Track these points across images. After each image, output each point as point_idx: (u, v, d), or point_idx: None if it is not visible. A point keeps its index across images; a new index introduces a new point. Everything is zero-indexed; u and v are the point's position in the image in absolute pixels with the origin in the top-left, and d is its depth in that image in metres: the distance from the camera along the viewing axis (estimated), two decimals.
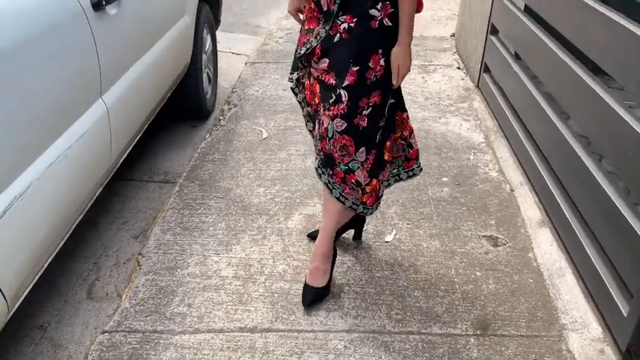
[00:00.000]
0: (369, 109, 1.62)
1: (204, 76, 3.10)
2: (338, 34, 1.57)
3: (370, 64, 1.57)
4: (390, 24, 1.55)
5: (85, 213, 1.92)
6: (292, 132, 2.92)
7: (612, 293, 1.63)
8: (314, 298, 1.83)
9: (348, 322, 1.77)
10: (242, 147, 2.79)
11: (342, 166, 1.68)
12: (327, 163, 1.70)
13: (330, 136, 1.65)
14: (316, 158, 1.76)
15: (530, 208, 2.29)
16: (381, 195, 1.81)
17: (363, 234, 2.15)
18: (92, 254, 2.19)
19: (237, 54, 4.15)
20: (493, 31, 3.14)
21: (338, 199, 1.74)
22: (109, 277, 2.08)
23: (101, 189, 2.00)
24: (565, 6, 2.18)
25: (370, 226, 2.21)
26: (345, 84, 1.58)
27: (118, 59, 1.97)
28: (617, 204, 1.65)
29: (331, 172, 1.70)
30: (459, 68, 3.75)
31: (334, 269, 1.92)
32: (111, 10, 1.87)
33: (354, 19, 1.54)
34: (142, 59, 2.19)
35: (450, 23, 4.63)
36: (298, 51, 1.71)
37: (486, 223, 2.25)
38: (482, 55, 3.27)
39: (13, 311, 1.46)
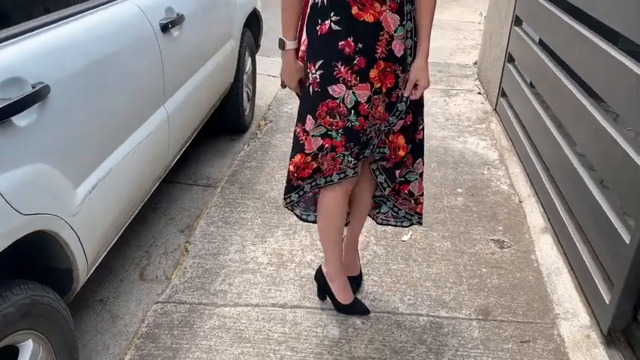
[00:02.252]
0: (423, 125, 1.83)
1: (245, 94, 3.45)
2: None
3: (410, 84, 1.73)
4: None
5: (138, 209, 2.24)
6: None
7: (598, 285, 1.86)
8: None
9: (366, 304, 2.03)
10: (277, 156, 3.11)
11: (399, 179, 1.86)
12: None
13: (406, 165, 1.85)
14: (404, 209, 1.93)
15: (535, 217, 2.53)
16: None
17: (382, 235, 2.42)
18: (143, 244, 2.51)
19: (273, 76, 4.50)
20: (510, 59, 3.41)
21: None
22: (158, 263, 2.38)
23: (159, 182, 2.32)
24: (572, 41, 2.42)
25: (389, 227, 2.48)
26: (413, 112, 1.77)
27: (177, 74, 2.31)
28: (607, 214, 1.87)
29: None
30: (479, 93, 4.02)
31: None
32: (174, 32, 2.22)
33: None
34: (195, 76, 2.53)
35: (473, 52, 4.92)
36: (371, 126, 1.70)
37: (495, 229, 2.50)
38: (500, 81, 3.55)
39: (88, 275, 1.77)
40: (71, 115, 1.53)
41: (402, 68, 1.67)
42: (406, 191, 1.87)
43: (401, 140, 1.78)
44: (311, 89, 1.68)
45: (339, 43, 1.60)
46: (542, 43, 2.95)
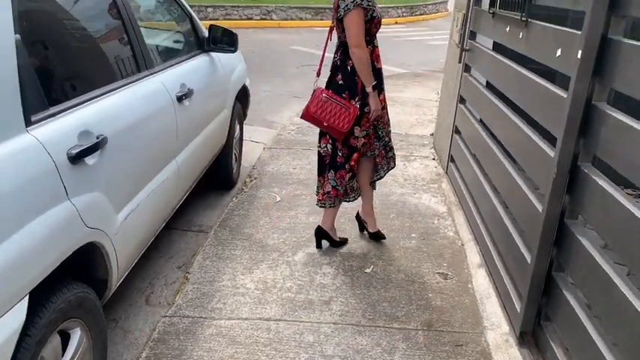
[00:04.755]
0: None
1: (233, 155, 4.03)
2: None
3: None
4: None
5: (152, 240, 2.72)
6: (299, 198, 3.80)
7: (513, 300, 2.41)
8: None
9: (334, 318, 2.53)
10: (261, 206, 3.66)
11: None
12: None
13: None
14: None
15: (473, 256, 3.09)
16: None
17: (349, 267, 2.95)
18: (147, 277, 2.97)
19: (256, 142, 5.12)
20: (457, 131, 4.10)
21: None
22: (161, 292, 2.84)
23: (168, 219, 2.82)
24: (498, 120, 3.09)
25: (355, 262, 3.02)
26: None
27: (186, 135, 2.88)
28: (519, 245, 2.45)
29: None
30: (434, 159, 4.69)
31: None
32: (186, 102, 2.81)
33: None
34: (198, 137, 3.11)
35: (430, 125, 5.66)
36: (381, 128, 3.03)
37: (441, 265, 3.05)
38: (449, 149, 4.21)
39: (118, 283, 2.23)
40: (118, 160, 2.07)
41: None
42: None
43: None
44: None
45: None
46: (482, 122, 3.63)
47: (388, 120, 3.07)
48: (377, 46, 2.88)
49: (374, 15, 2.71)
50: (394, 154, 3.16)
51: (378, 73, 2.86)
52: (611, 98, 2.01)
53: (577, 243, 1.97)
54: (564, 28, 2.19)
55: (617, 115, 1.79)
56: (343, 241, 3.21)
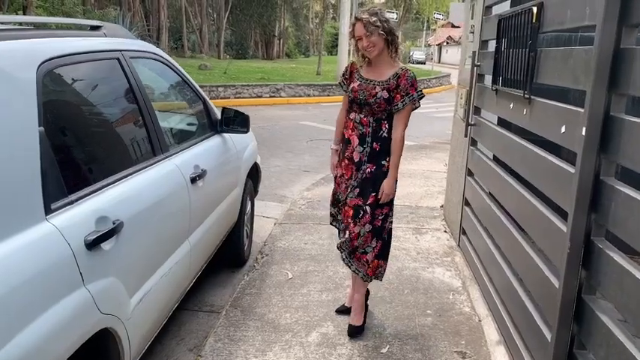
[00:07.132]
0: (382, 216, 2.92)
1: (245, 231, 4.04)
2: (365, 175, 2.88)
3: (379, 191, 2.87)
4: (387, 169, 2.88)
5: (164, 322, 2.70)
6: (312, 274, 3.77)
7: None
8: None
9: None
10: (273, 284, 3.63)
11: (360, 250, 2.94)
12: (351, 252, 2.97)
13: (361, 235, 2.90)
14: (343, 251, 2.99)
15: (491, 333, 3.01)
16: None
17: (364, 348, 2.88)
18: None
19: (267, 217, 5.15)
20: (466, 203, 4.11)
21: (356, 271, 3.00)
22: None
23: (180, 301, 2.80)
24: (508, 193, 3.13)
25: (370, 341, 2.95)
26: (368, 202, 2.87)
27: (199, 215, 2.92)
28: (538, 323, 2.40)
29: (353, 257, 2.98)
30: (445, 232, 4.68)
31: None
32: (199, 183, 2.87)
33: (374, 167, 2.87)
34: (210, 216, 3.15)
35: (440, 197, 5.68)
36: (339, 194, 3.04)
37: (458, 343, 2.97)
38: (460, 222, 4.21)
39: None
40: (133, 244, 2.10)
41: (356, 168, 2.90)
42: (364, 259, 2.97)
43: (349, 212, 2.93)
44: None
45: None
46: (491, 195, 3.65)
47: (346, 190, 2.98)
48: (351, 119, 2.94)
49: (347, 88, 3.01)
50: (368, 260, 2.98)
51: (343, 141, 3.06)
52: None
53: (597, 320, 1.93)
54: (567, 106, 2.25)
55: (625, 190, 1.81)
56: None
